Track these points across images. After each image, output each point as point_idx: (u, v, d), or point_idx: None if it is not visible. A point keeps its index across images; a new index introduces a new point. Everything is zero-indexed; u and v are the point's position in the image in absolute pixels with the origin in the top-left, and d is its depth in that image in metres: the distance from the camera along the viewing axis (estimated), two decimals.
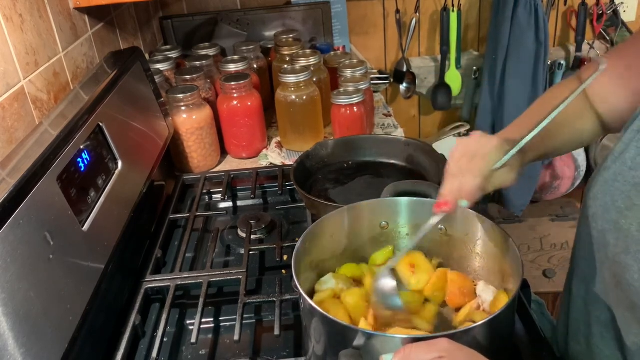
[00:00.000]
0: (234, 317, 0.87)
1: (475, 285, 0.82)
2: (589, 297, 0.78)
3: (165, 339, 0.86)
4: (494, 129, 2.05)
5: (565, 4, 2.09)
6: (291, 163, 1.28)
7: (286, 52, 1.55)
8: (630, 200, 0.67)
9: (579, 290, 0.81)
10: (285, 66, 1.41)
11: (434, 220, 0.78)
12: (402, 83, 2.11)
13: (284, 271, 1.00)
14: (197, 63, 1.45)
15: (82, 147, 0.87)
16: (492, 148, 0.76)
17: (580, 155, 2.17)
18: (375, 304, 0.77)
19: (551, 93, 0.95)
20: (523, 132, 0.77)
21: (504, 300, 0.75)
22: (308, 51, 1.51)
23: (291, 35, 1.64)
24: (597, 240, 0.73)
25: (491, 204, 2.27)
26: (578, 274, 0.81)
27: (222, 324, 0.92)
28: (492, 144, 0.76)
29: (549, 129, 0.80)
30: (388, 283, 0.76)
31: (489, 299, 0.78)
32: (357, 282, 0.85)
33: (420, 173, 1.16)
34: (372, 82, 1.50)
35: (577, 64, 2.08)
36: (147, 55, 1.58)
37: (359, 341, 0.64)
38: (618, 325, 0.72)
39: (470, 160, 0.75)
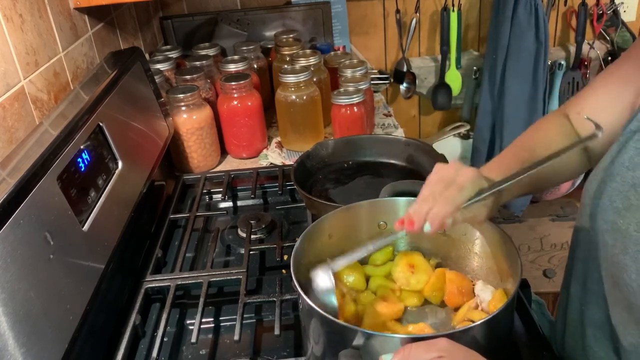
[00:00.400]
0: (234, 317, 0.87)
1: (473, 285, 0.82)
2: (584, 297, 0.78)
3: (165, 339, 0.86)
4: (494, 129, 2.05)
5: (565, 4, 2.09)
6: (291, 163, 1.28)
7: (286, 52, 1.55)
8: (628, 200, 0.67)
9: (575, 291, 0.81)
10: (286, 66, 1.41)
11: (390, 238, 0.78)
12: (402, 83, 2.11)
13: (284, 271, 1.00)
14: (197, 63, 1.45)
15: (82, 147, 0.88)
16: (469, 180, 0.74)
17: None
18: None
19: (538, 130, 0.91)
20: (504, 171, 0.76)
21: (502, 299, 0.75)
22: (308, 51, 1.51)
23: (291, 35, 1.64)
24: (595, 240, 0.73)
25: None
26: (575, 274, 0.81)
27: (222, 324, 0.92)
28: (469, 175, 0.74)
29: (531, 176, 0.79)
30: (326, 281, 0.75)
31: (487, 298, 0.78)
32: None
33: (420, 173, 1.16)
34: (372, 82, 1.50)
35: (577, 64, 2.08)
36: (147, 55, 1.58)
37: (358, 341, 0.64)
38: (612, 326, 0.72)
39: (446, 187, 0.73)
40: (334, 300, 0.74)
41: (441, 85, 2.11)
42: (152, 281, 0.96)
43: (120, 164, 0.99)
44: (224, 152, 1.43)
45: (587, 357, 0.78)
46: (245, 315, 0.88)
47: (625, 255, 0.66)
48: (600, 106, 0.83)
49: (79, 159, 0.86)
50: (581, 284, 0.79)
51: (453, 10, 1.99)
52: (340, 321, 0.67)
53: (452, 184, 0.73)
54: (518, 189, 0.84)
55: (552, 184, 0.93)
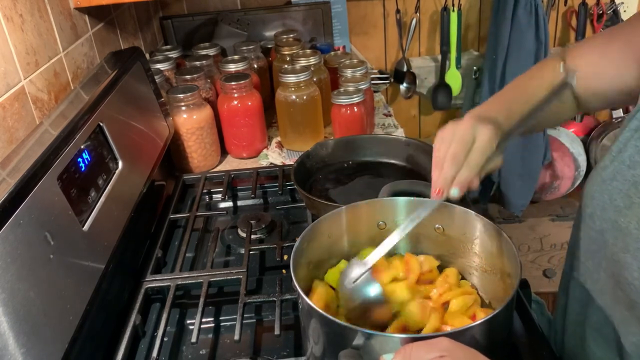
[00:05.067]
0: (234, 316, 0.87)
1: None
2: (585, 298, 0.78)
3: (165, 339, 0.86)
4: None
5: (565, 4, 2.09)
6: (291, 163, 1.28)
7: (286, 52, 1.55)
8: (630, 198, 0.67)
9: (575, 292, 0.81)
10: (286, 66, 1.41)
11: (425, 212, 0.78)
12: (402, 83, 2.11)
13: (284, 271, 1.00)
14: (197, 63, 1.45)
15: (82, 147, 0.88)
16: (487, 140, 0.76)
17: (580, 155, 2.17)
18: (351, 297, 0.76)
19: (535, 73, 0.94)
20: (506, 112, 0.80)
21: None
22: (308, 51, 1.51)
23: (291, 35, 1.64)
24: (595, 240, 0.73)
25: (491, 204, 2.27)
26: (575, 276, 0.81)
27: (222, 324, 0.92)
28: (487, 135, 0.77)
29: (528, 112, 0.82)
30: (373, 291, 0.76)
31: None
32: None
33: (420, 173, 1.16)
34: (372, 82, 1.50)
35: None
36: (147, 55, 1.58)
37: (358, 341, 0.64)
38: (613, 327, 0.72)
39: (467, 150, 0.76)
40: (378, 289, 0.75)
41: (441, 85, 2.11)
42: (152, 281, 0.96)
43: (120, 164, 0.99)
44: (224, 152, 1.43)
45: (587, 358, 0.78)
46: (245, 315, 0.88)
47: (626, 253, 0.66)
48: (596, 61, 0.85)
49: (79, 159, 0.86)
50: (581, 285, 0.79)
51: (453, 10, 1.99)
52: (340, 321, 0.67)
53: (472, 150, 0.76)
54: (521, 128, 0.87)
55: (545, 125, 0.98)
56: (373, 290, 0.76)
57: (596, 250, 0.73)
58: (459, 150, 0.76)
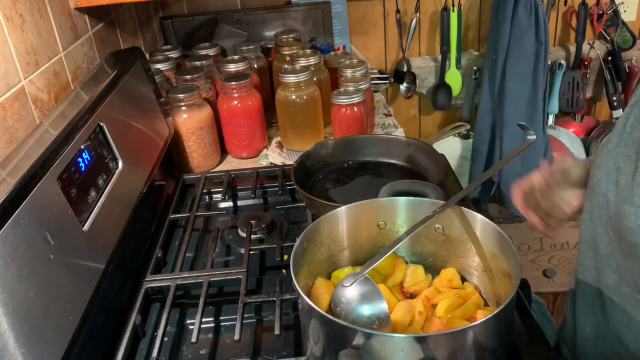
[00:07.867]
0: (234, 316, 0.87)
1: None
2: (597, 263, 0.79)
3: (165, 339, 0.86)
4: (493, 129, 2.05)
5: (565, 4, 2.09)
6: (291, 163, 1.28)
7: (286, 52, 1.55)
8: (629, 157, 0.71)
9: (586, 259, 0.82)
10: (286, 66, 1.41)
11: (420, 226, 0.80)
12: (402, 83, 2.11)
13: (284, 271, 1.00)
14: (198, 63, 1.45)
15: (82, 146, 0.88)
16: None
17: (580, 155, 2.17)
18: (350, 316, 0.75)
19: None
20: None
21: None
22: (308, 51, 1.51)
23: (291, 35, 1.65)
24: (601, 203, 0.76)
25: (491, 204, 2.27)
26: (585, 243, 0.82)
27: (222, 324, 0.92)
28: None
29: None
30: (369, 290, 0.75)
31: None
32: None
33: (420, 173, 1.16)
34: (372, 82, 1.50)
35: (577, 64, 2.08)
36: (147, 55, 1.58)
37: (358, 341, 0.64)
38: (625, 288, 0.73)
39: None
40: (384, 307, 0.75)
41: (441, 85, 2.11)
42: (152, 281, 0.96)
43: (120, 163, 0.99)
44: (224, 152, 1.43)
45: (608, 324, 0.79)
46: (245, 315, 0.88)
47: (624, 204, 0.70)
48: None
49: (79, 159, 0.86)
50: (593, 250, 0.80)
51: (453, 10, 1.99)
52: (340, 321, 0.67)
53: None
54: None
55: None
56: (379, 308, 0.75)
57: (603, 213, 0.76)
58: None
